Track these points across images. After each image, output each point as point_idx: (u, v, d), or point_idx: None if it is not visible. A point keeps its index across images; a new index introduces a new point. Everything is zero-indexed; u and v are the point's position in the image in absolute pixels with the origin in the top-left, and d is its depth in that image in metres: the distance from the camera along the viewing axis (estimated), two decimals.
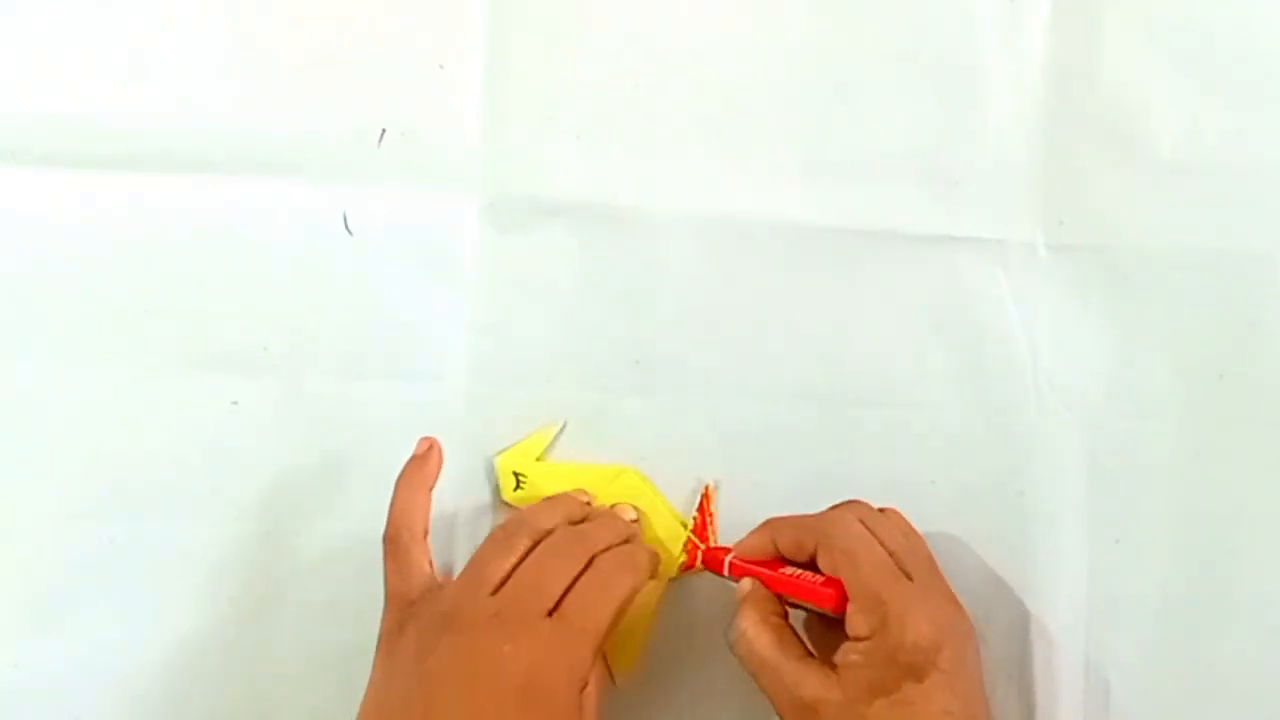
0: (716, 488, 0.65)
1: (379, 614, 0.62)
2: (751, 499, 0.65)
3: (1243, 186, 0.67)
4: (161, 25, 0.66)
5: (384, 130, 0.66)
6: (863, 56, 0.68)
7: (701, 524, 0.64)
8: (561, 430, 0.65)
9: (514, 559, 0.57)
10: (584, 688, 0.55)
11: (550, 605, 0.56)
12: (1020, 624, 0.65)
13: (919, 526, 0.64)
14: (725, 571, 0.62)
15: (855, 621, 0.57)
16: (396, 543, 0.60)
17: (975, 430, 0.66)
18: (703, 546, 0.64)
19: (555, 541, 0.58)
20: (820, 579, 0.59)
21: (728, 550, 0.62)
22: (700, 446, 0.66)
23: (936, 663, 0.55)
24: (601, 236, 0.67)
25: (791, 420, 0.66)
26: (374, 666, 0.58)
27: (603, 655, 0.58)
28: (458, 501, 0.65)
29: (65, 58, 0.65)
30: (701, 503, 0.65)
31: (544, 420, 0.65)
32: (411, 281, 0.66)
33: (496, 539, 0.59)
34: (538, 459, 0.65)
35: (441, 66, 0.66)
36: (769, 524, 0.62)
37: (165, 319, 0.65)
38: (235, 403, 0.65)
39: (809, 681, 0.56)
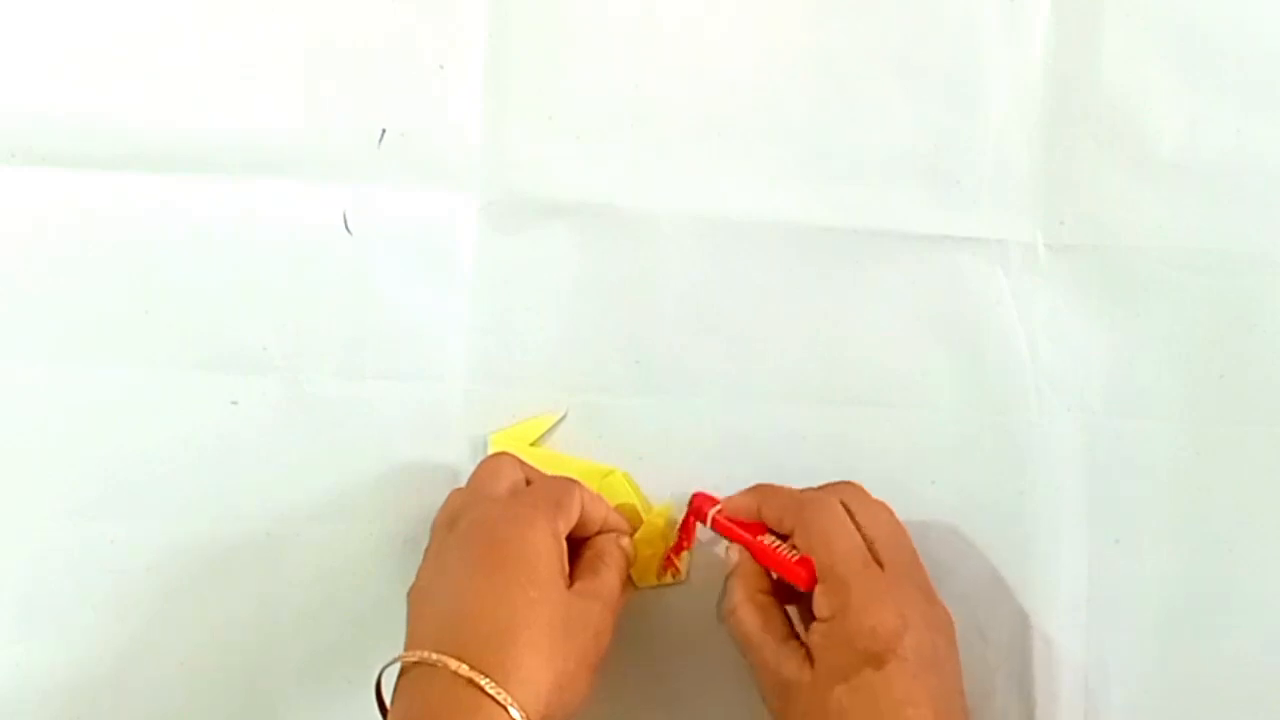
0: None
1: (379, 614, 0.62)
2: None
3: (1243, 186, 0.67)
4: (162, 25, 0.66)
5: (384, 130, 0.66)
6: (862, 56, 0.68)
7: (680, 544, 0.64)
8: (561, 420, 0.65)
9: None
10: (558, 539, 0.58)
11: (506, 486, 0.60)
12: (1020, 624, 0.65)
13: (919, 526, 0.64)
14: (708, 523, 0.63)
15: (819, 602, 0.58)
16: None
17: (975, 430, 0.66)
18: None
19: (483, 472, 0.62)
20: (796, 554, 0.59)
21: (715, 501, 0.63)
22: (700, 446, 0.66)
23: (896, 650, 0.56)
24: (601, 236, 0.67)
25: (791, 420, 0.66)
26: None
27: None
28: None
29: (65, 58, 0.65)
30: (687, 520, 0.64)
31: (544, 409, 0.65)
32: (411, 281, 0.66)
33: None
34: (531, 444, 0.65)
35: (441, 66, 0.66)
36: (758, 490, 0.63)
37: (165, 319, 0.65)
38: (235, 403, 0.65)
39: (788, 663, 0.58)
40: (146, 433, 0.64)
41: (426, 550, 0.60)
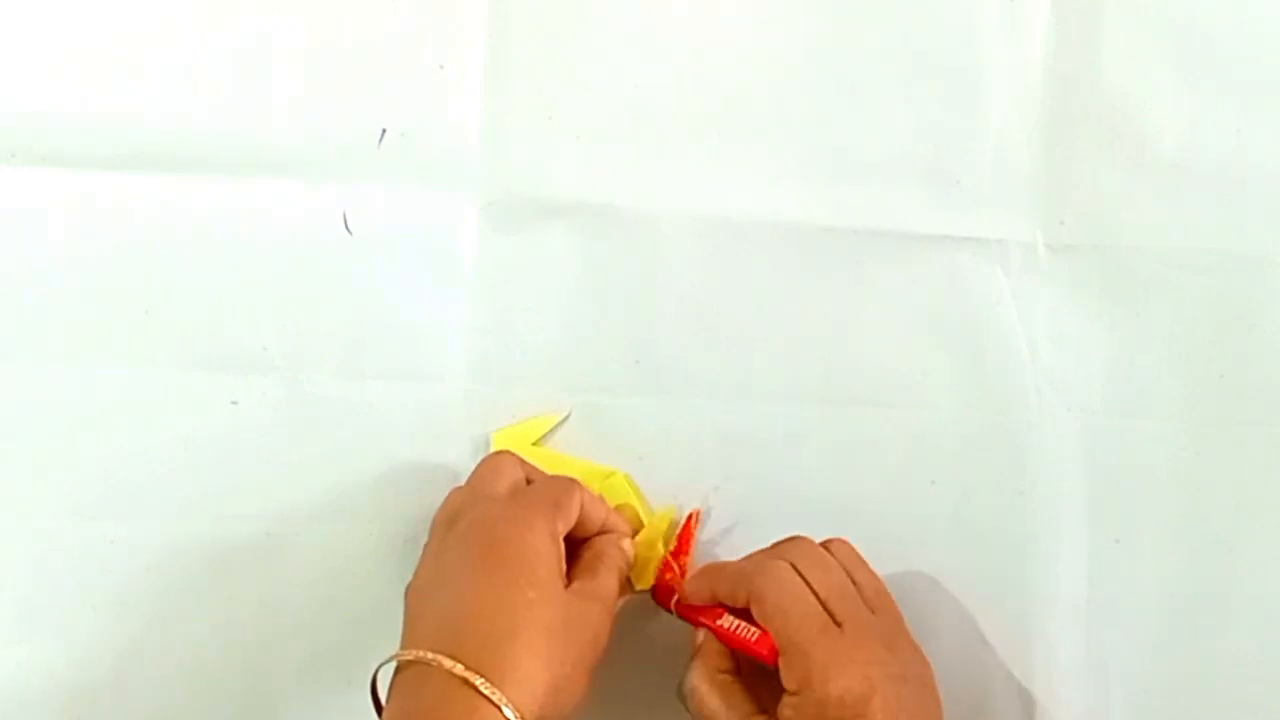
0: (705, 514, 0.65)
1: (379, 614, 0.62)
2: (750, 499, 0.65)
3: (1243, 186, 0.67)
4: (161, 25, 0.66)
5: (384, 130, 0.66)
6: (863, 56, 0.68)
7: (680, 548, 0.64)
8: (564, 420, 0.65)
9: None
10: (556, 539, 0.58)
11: (506, 486, 0.60)
12: (1020, 624, 0.65)
13: (919, 527, 0.64)
14: (672, 609, 0.62)
15: (785, 675, 0.57)
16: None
17: (975, 430, 0.66)
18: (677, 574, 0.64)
19: (484, 470, 0.62)
20: (756, 631, 0.59)
21: (674, 593, 0.62)
22: (700, 446, 0.66)
23: (866, 714, 0.55)
24: (601, 236, 0.67)
25: (791, 420, 0.66)
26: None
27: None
28: None
29: (65, 58, 0.65)
30: (686, 525, 0.64)
31: (545, 409, 0.65)
32: (411, 281, 0.66)
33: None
34: (533, 444, 0.65)
35: (441, 66, 0.66)
36: (706, 571, 0.62)
37: (165, 319, 0.65)
38: (235, 403, 0.65)
39: None
40: (146, 433, 0.64)
41: (426, 548, 0.60)
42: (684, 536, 0.64)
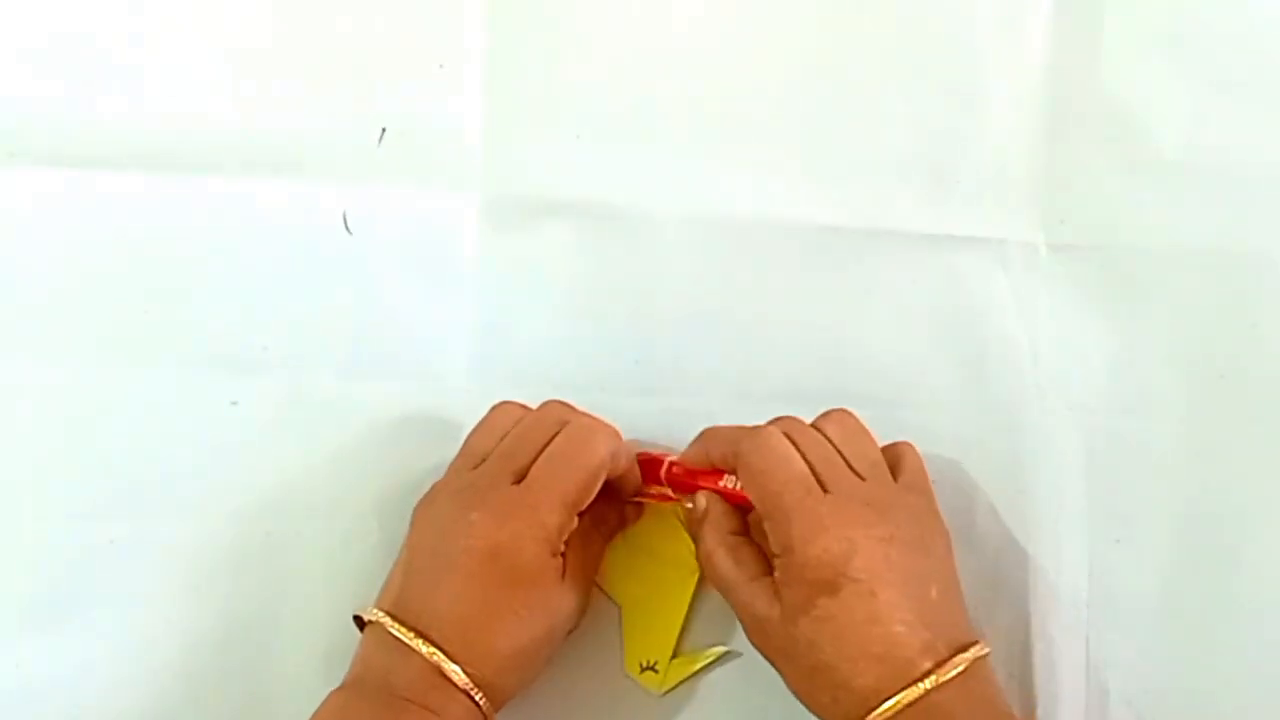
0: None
1: None
2: None
3: (1243, 186, 0.67)
4: (162, 25, 0.66)
5: (384, 130, 0.66)
6: (863, 56, 0.68)
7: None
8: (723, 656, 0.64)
9: (497, 437, 0.61)
10: (557, 552, 0.58)
11: (518, 475, 0.58)
12: (1020, 624, 0.65)
13: None
14: (663, 481, 0.63)
15: (770, 538, 0.58)
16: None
17: (975, 430, 0.66)
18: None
19: (530, 418, 0.61)
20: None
21: (662, 460, 0.63)
22: None
23: (847, 573, 0.55)
24: (601, 236, 0.67)
25: None
26: None
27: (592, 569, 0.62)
28: None
29: (64, 58, 0.65)
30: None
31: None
32: (411, 281, 0.66)
33: (485, 421, 0.62)
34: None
35: (441, 66, 0.67)
36: (704, 434, 0.62)
37: (165, 319, 0.65)
38: (235, 403, 0.65)
39: (759, 600, 0.58)
40: (146, 433, 0.64)
41: (446, 480, 0.61)
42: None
